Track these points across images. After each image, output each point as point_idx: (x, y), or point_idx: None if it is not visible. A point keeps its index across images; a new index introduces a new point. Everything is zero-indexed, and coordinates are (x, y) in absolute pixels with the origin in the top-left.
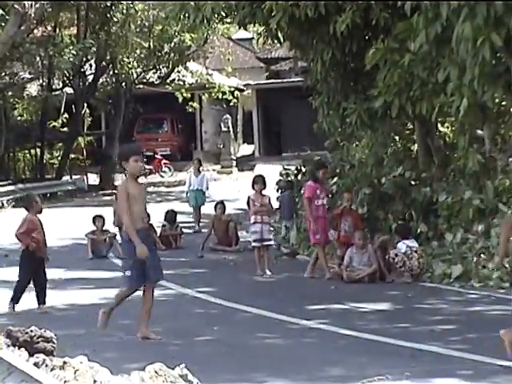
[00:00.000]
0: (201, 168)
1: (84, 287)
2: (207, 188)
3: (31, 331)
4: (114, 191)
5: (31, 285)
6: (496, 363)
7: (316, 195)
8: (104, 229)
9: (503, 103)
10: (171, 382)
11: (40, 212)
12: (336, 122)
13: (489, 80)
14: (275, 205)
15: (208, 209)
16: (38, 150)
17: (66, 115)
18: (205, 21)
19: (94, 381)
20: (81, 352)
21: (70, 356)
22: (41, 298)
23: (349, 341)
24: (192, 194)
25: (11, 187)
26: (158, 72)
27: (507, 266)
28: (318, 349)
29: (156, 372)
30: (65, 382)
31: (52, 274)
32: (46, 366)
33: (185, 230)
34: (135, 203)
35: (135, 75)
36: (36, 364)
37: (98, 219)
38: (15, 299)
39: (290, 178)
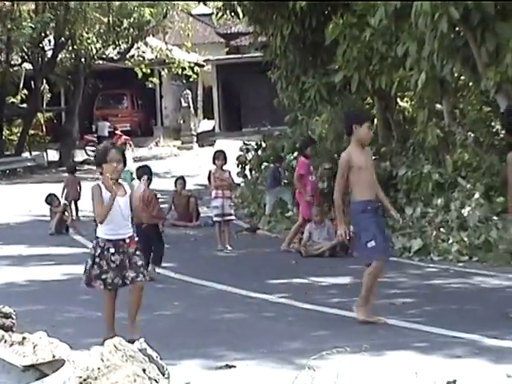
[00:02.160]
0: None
1: (44, 263)
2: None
3: None
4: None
5: None
6: (452, 335)
7: (309, 171)
8: (60, 204)
9: (462, 77)
10: (130, 357)
11: None
12: (295, 97)
13: (447, 54)
14: (236, 180)
15: (168, 184)
16: None
17: (24, 91)
18: None
19: (53, 356)
20: (40, 328)
21: (29, 332)
22: None
23: (309, 315)
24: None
25: None
26: (118, 47)
27: (466, 239)
28: (278, 323)
29: (115, 346)
30: (24, 357)
31: (12, 250)
32: (5, 341)
33: None
34: (362, 172)
35: (94, 51)
36: None
37: (52, 198)
38: None
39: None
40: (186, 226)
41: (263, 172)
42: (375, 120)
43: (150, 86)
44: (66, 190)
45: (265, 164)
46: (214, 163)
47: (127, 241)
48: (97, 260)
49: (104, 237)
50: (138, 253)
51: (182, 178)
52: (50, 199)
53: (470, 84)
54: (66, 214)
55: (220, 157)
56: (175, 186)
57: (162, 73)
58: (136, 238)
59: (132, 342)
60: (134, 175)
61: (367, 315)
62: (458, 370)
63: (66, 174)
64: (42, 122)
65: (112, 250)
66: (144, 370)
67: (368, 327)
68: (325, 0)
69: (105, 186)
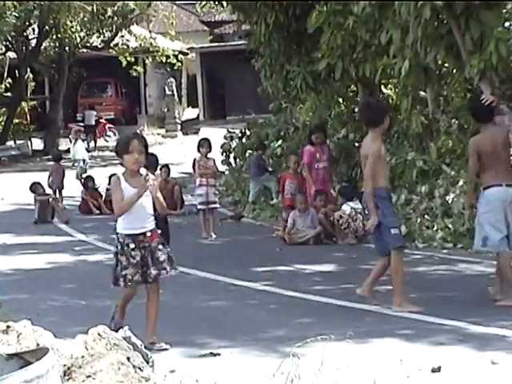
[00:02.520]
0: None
1: (29, 252)
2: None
3: None
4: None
5: None
6: (437, 322)
7: (316, 159)
8: (45, 193)
9: (445, 64)
10: (114, 345)
11: None
12: (279, 85)
13: (431, 41)
14: (220, 168)
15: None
16: None
17: (9, 80)
18: None
19: (37, 344)
20: (24, 316)
21: (13, 320)
22: None
23: (293, 302)
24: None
25: None
26: (102, 36)
27: (450, 226)
28: (262, 310)
29: (99, 334)
30: (8, 345)
31: None
32: None
33: None
34: (383, 161)
35: (78, 39)
36: None
37: (37, 186)
38: None
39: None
40: (170, 214)
41: (247, 160)
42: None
43: (134, 74)
44: (50, 179)
45: (249, 152)
46: (198, 151)
47: (148, 234)
48: (119, 257)
49: (123, 231)
50: (160, 247)
51: (167, 166)
52: (35, 187)
53: (454, 71)
54: (57, 203)
55: (205, 145)
56: (159, 174)
57: (146, 61)
58: (158, 231)
59: (151, 345)
60: (87, 165)
61: (406, 305)
62: (442, 357)
63: (51, 163)
64: (27, 110)
65: (132, 246)
66: (128, 359)
67: (353, 314)
68: None
69: (124, 178)
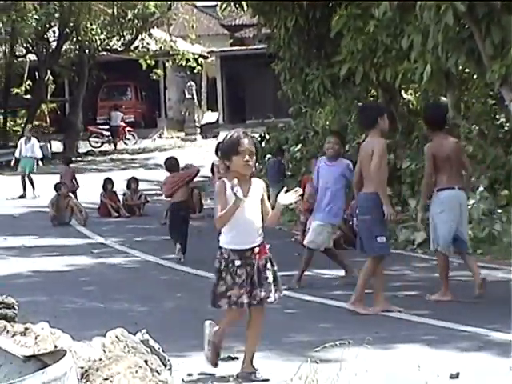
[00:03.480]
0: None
1: (47, 254)
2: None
3: None
4: (78, 158)
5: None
6: (457, 328)
7: None
8: (67, 195)
9: (466, 70)
10: (132, 348)
11: None
12: (298, 88)
13: (452, 46)
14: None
15: None
16: (1, 117)
17: (29, 82)
18: None
19: (55, 346)
20: (42, 318)
21: (31, 322)
22: None
23: (312, 307)
24: (22, 161)
25: None
26: (122, 39)
27: (470, 232)
28: (280, 315)
29: (117, 337)
30: (26, 347)
31: (15, 241)
32: (7, 332)
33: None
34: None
35: (99, 42)
36: None
37: (62, 186)
38: None
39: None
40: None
41: (266, 164)
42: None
43: (154, 77)
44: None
45: (268, 156)
46: (216, 155)
47: (256, 250)
48: (222, 275)
49: (227, 246)
50: (269, 266)
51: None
52: (58, 187)
53: (475, 77)
54: (76, 205)
55: None
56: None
57: (167, 64)
58: (268, 246)
59: (248, 375)
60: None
61: (363, 308)
62: (461, 364)
63: (73, 165)
64: (46, 112)
65: (237, 263)
66: (146, 362)
67: (372, 319)
68: None
69: (231, 184)
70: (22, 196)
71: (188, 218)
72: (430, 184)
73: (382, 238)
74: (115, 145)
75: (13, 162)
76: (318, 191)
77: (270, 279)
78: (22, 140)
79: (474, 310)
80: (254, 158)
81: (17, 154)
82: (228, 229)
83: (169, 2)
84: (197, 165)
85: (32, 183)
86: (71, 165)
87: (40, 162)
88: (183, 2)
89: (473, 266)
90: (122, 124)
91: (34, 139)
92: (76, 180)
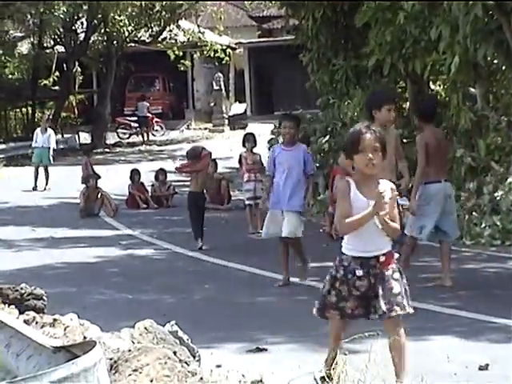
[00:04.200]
0: (47, 125)
1: (76, 245)
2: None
3: (21, 289)
4: (106, 150)
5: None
6: (486, 320)
7: None
8: (97, 186)
9: (495, 61)
10: (161, 339)
11: None
12: (325, 79)
13: (481, 38)
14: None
15: None
16: (30, 109)
17: (57, 74)
18: None
19: (84, 338)
20: (71, 310)
21: (60, 314)
22: None
23: None
24: (37, 151)
25: (3, 146)
26: (150, 30)
27: (498, 223)
28: (309, 306)
29: (146, 329)
30: (55, 338)
31: (44, 232)
32: (36, 323)
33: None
34: None
35: (126, 33)
36: (26, 321)
37: (91, 178)
38: None
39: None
40: (217, 209)
41: None
42: (407, 103)
43: (182, 68)
44: (83, 173)
45: None
46: (243, 146)
47: (382, 259)
48: (336, 284)
49: (349, 253)
50: (396, 276)
51: (214, 160)
52: (87, 179)
53: (504, 68)
54: (107, 196)
55: (250, 140)
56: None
57: (194, 56)
58: (396, 255)
59: None
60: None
61: None
62: (490, 355)
63: (98, 157)
64: (74, 104)
65: (359, 273)
66: (175, 353)
67: None
68: None
69: (356, 184)
70: (34, 188)
71: (203, 209)
72: (425, 173)
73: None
74: (143, 135)
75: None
76: (277, 179)
77: (396, 290)
78: (38, 130)
79: (502, 302)
80: (380, 154)
81: (33, 144)
82: (353, 234)
83: None
84: (224, 156)
85: (47, 175)
86: (91, 156)
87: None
88: None
89: (444, 257)
90: (149, 115)
91: (50, 130)
92: (93, 170)
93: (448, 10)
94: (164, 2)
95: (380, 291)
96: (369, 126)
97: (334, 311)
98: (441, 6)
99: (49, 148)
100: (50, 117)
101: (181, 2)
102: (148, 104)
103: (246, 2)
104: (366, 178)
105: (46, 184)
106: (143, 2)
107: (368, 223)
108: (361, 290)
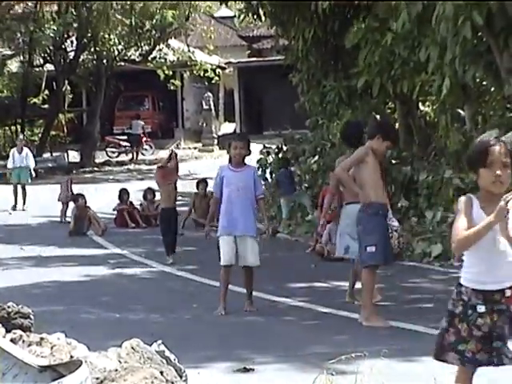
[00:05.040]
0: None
1: (64, 264)
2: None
3: (8, 307)
4: (95, 168)
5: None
6: None
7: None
8: (86, 205)
9: (484, 82)
10: (148, 358)
11: None
12: (315, 100)
13: (470, 59)
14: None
15: (189, 186)
16: (19, 127)
17: (46, 92)
18: None
19: (71, 357)
20: (58, 329)
21: (47, 332)
22: None
23: (328, 319)
24: (16, 171)
25: None
26: (140, 49)
27: None
28: (297, 326)
29: (133, 348)
30: (41, 357)
31: (32, 251)
32: (23, 341)
33: None
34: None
35: (116, 52)
36: (13, 340)
37: (79, 197)
38: None
39: (286, 156)
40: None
41: (276, 176)
42: (396, 124)
43: (172, 87)
44: (61, 191)
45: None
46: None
47: (508, 294)
48: (455, 321)
49: (469, 285)
50: None
51: (205, 180)
52: (76, 198)
53: (493, 89)
54: (95, 215)
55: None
56: (197, 188)
57: (184, 75)
58: None
59: None
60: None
61: (374, 319)
62: (476, 378)
63: (87, 175)
64: (64, 122)
65: (481, 309)
66: (161, 373)
67: (388, 332)
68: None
69: (480, 202)
70: (14, 207)
71: (176, 225)
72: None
73: (372, 248)
74: (133, 154)
75: (7, 173)
76: (226, 201)
77: None
78: (15, 150)
79: None
80: (509, 171)
81: (9, 165)
82: (473, 262)
83: (187, 13)
84: (214, 175)
85: (24, 195)
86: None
87: (33, 173)
88: (201, 13)
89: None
90: (140, 132)
91: (26, 149)
92: (72, 190)
93: (437, 30)
94: (154, 21)
95: (506, 331)
96: (498, 137)
97: (453, 354)
98: (429, 27)
99: (27, 167)
100: (25, 137)
101: (171, 21)
102: (143, 123)
103: (235, 22)
104: (491, 197)
105: (24, 203)
106: (133, 21)
107: (495, 251)
108: (483, 330)
